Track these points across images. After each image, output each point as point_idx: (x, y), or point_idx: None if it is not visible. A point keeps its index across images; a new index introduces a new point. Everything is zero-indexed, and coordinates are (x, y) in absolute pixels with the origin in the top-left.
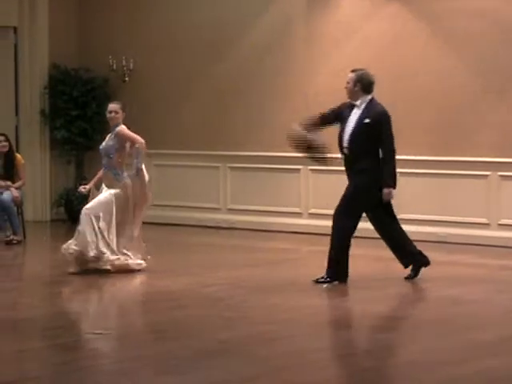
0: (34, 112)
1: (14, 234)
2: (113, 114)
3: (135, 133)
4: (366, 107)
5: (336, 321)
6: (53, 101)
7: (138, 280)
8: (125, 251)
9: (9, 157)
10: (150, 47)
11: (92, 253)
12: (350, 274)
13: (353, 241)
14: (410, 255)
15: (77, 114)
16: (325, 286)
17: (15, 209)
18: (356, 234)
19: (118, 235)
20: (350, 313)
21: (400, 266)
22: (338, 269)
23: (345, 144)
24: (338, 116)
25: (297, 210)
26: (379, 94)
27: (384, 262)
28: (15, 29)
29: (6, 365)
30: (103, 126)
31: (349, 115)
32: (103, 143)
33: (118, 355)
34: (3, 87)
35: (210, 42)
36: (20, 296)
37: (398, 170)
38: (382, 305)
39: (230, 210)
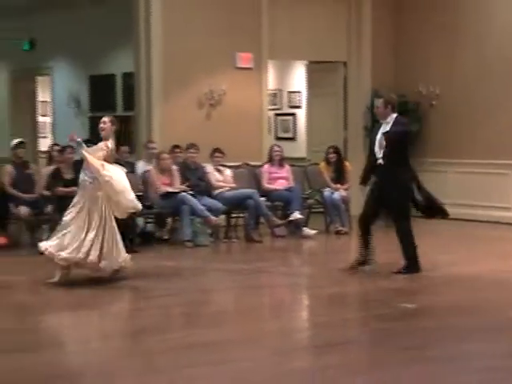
0: (358, 127)
1: (342, 226)
2: (101, 125)
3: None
4: (394, 122)
5: None
6: (374, 119)
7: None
8: None
9: (339, 164)
10: (457, 76)
11: None
12: None
13: None
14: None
15: None
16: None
17: (343, 206)
18: None
19: None
20: None
21: None
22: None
23: (379, 155)
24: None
25: None
26: None
27: None
28: (345, 63)
29: (335, 329)
30: None
31: (377, 131)
32: None
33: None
34: (335, 108)
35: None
36: (345, 275)
37: None
38: None
39: None
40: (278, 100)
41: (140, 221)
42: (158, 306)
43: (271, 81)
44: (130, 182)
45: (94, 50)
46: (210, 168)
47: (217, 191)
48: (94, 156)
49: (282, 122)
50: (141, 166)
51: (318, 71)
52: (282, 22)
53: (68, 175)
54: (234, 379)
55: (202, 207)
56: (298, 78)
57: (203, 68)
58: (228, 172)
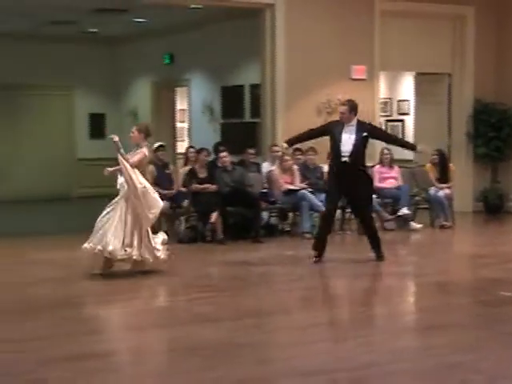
0: (461, 134)
1: (446, 220)
2: (130, 134)
3: None
4: (357, 125)
5: None
6: (475, 126)
7: None
8: None
9: (443, 165)
10: None
11: None
12: None
13: None
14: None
15: (493, 136)
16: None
17: (447, 203)
18: None
19: None
20: None
21: None
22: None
23: (345, 153)
24: (325, 133)
25: None
26: None
27: None
28: (449, 74)
29: (440, 313)
30: None
31: (341, 131)
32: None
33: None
34: (440, 115)
35: None
36: (448, 264)
37: None
38: None
39: None
40: (388, 108)
41: (265, 215)
42: (281, 290)
43: (382, 90)
44: (256, 181)
45: (226, 64)
46: (327, 168)
47: None
48: (132, 158)
49: (392, 127)
50: (266, 167)
51: (424, 82)
52: (393, 38)
53: (202, 174)
54: (349, 354)
55: (319, 203)
56: (406, 87)
57: (321, 79)
58: None
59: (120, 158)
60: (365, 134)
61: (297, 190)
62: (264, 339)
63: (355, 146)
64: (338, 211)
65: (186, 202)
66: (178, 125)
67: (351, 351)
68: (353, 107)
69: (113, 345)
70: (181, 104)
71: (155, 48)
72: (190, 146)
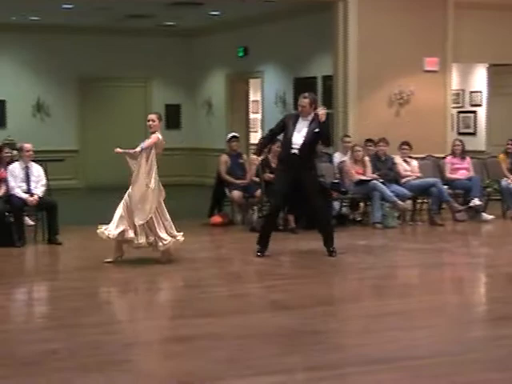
0: None
1: None
2: (150, 123)
3: None
4: (313, 120)
5: None
6: None
7: None
8: None
9: None
10: None
11: None
12: None
13: None
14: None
15: None
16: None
17: None
18: None
19: None
20: None
21: None
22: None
23: (296, 145)
24: (283, 129)
25: None
26: None
27: None
28: None
29: (507, 304)
30: None
31: (295, 123)
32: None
33: None
34: None
35: None
36: None
37: None
38: None
39: None
40: (460, 99)
41: (336, 204)
42: (353, 279)
43: (454, 82)
44: (328, 171)
45: (298, 56)
46: (398, 159)
47: (404, 180)
48: (144, 144)
49: (464, 118)
50: (337, 157)
51: (497, 73)
52: (466, 29)
53: (275, 164)
54: (419, 343)
55: (390, 193)
56: (479, 79)
57: (393, 71)
58: (414, 163)
59: (134, 154)
60: (317, 129)
61: (368, 181)
62: (336, 327)
63: (306, 138)
64: (409, 201)
65: (258, 192)
66: (251, 116)
67: (422, 340)
68: (314, 101)
69: (192, 330)
70: (254, 95)
71: (229, 41)
72: (263, 137)
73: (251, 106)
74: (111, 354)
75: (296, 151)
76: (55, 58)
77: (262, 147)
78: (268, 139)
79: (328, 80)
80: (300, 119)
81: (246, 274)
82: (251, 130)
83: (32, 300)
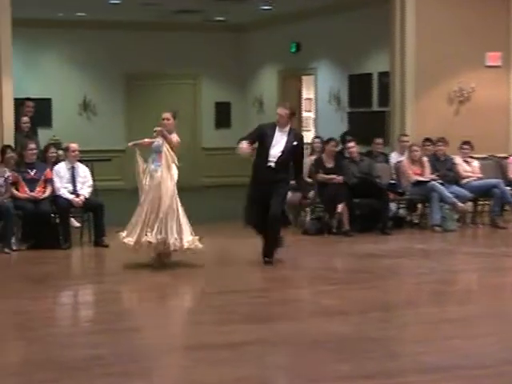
0: None
1: None
2: (165, 121)
3: None
4: (290, 132)
5: None
6: None
7: None
8: None
9: None
10: None
11: None
12: None
13: None
14: None
15: None
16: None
17: None
18: None
19: None
20: None
21: None
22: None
23: (273, 158)
24: (258, 137)
25: None
26: None
27: None
28: None
29: None
30: None
31: (273, 134)
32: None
33: None
34: None
35: None
36: None
37: None
38: None
39: None
40: None
41: (393, 206)
42: (410, 284)
43: None
44: (384, 172)
45: (353, 52)
46: (458, 159)
47: (465, 180)
48: (173, 138)
49: None
50: (394, 157)
51: None
52: None
53: (329, 164)
54: (480, 351)
55: (449, 195)
56: None
57: (453, 67)
58: (475, 163)
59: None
60: (295, 142)
61: (426, 182)
62: (392, 334)
63: (284, 152)
64: (470, 203)
65: (311, 193)
66: (304, 114)
67: (483, 348)
68: (293, 112)
69: (242, 336)
70: (307, 93)
71: (281, 36)
72: (316, 136)
73: (304, 104)
74: (157, 360)
75: (272, 164)
76: (102, 55)
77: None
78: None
79: (384, 77)
80: (277, 131)
81: (297, 279)
82: (304, 129)
83: (78, 303)
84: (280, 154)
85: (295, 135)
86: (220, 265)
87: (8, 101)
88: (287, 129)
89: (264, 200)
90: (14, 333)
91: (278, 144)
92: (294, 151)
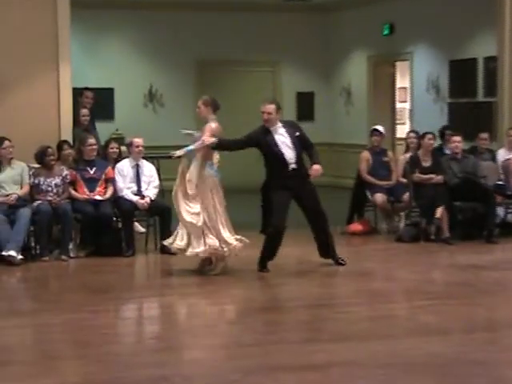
0: None
1: None
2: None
3: None
4: (284, 126)
5: None
6: None
7: None
8: None
9: None
10: None
11: None
12: None
13: None
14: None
15: None
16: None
17: None
18: None
19: None
20: None
21: None
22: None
23: (292, 160)
24: (250, 145)
25: None
26: None
27: None
28: None
29: None
30: None
31: (272, 138)
32: None
33: None
34: None
35: None
36: None
37: None
38: None
39: None
40: None
41: (500, 211)
42: None
43: None
44: (490, 171)
45: (455, 34)
46: None
47: None
48: (204, 135)
49: None
50: (502, 154)
51: None
52: None
53: (426, 162)
54: None
55: None
56: None
57: None
58: None
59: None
60: (297, 133)
61: None
62: (500, 357)
63: (296, 147)
64: None
65: (406, 195)
66: (398, 105)
67: None
68: (279, 106)
69: (329, 356)
70: (401, 81)
71: (372, 17)
72: (412, 131)
73: (398, 94)
74: (232, 383)
75: (294, 165)
76: (170, 39)
77: (222, 148)
78: (235, 146)
79: (491, 62)
80: (273, 131)
81: (391, 292)
82: (398, 121)
83: (142, 318)
84: (295, 153)
85: (290, 126)
86: (298, 275)
87: (66, 90)
88: (280, 124)
89: (289, 201)
90: (71, 350)
91: (284, 144)
92: (301, 141)
